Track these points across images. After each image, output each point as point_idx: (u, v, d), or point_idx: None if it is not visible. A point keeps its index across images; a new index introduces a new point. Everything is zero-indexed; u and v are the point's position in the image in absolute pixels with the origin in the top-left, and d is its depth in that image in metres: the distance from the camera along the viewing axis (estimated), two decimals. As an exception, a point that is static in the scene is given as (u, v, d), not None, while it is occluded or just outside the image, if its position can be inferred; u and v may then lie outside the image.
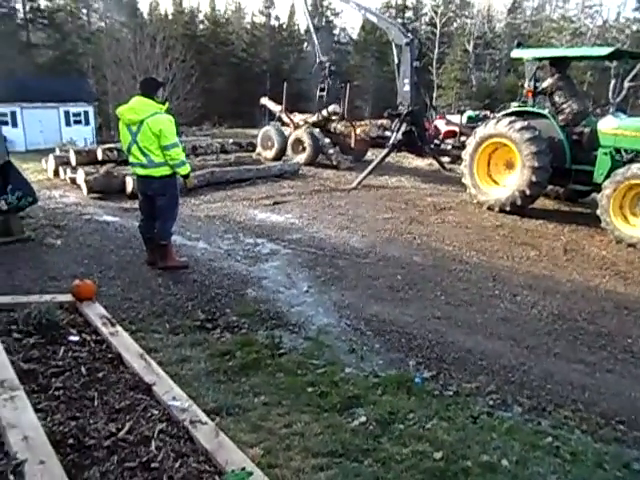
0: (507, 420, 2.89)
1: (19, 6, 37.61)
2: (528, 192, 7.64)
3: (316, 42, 12.48)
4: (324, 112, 12.69)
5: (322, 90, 12.29)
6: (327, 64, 12.21)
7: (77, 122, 27.65)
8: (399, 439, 2.63)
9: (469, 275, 5.33)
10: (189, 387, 2.76)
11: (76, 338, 2.59)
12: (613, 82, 8.13)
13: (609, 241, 6.79)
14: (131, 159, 4.92)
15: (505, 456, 2.54)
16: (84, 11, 42.29)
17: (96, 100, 29.00)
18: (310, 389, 3.04)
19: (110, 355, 2.44)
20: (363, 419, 2.77)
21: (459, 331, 4.04)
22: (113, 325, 2.72)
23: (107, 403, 2.01)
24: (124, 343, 2.53)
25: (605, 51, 7.92)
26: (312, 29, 12.56)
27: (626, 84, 8.40)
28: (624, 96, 8.33)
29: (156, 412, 1.98)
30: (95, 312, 2.84)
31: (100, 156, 9.32)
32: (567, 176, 7.90)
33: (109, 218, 7.00)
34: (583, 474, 2.47)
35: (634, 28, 40.76)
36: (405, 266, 5.49)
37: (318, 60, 12.31)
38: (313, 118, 12.99)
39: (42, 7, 38.91)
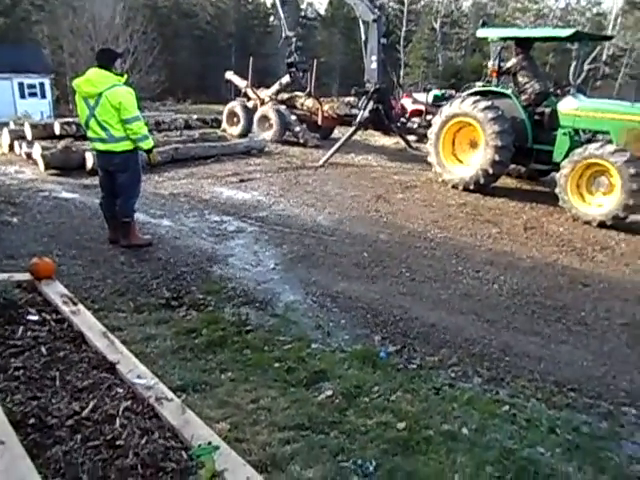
0: (467, 391, 3.00)
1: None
2: (491, 171, 7.81)
3: (282, 16, 12.20)
4: (277, 84, 12.60)
5: (289, 66, 12.08)
6: (294, 39, 11.98)
7: (32, 94, 26.47)
8: (364, 411, 2.70)
9: (434, 252, 5.44)
10: (154, 365, 2.74)
11: (35, 317, 2.52)
12: (574, 64, 8.30)
13: (566, 219, 7.04)
14: (90, 134, 4.74)
15: (465, 425, 2.65)
16: (37, -23, 39.96)
17: (53, 72, 27.72)
18: (277, 365, 3.07)
19: (72, 334, 2.39)
20: (329, 393, 2.83)
21: (423, 306, 4.14)
22: (74, 304, 2.65)
23: (69, 382, 1.97)
24: (86, 322, 2.48)
25: (566, 33, 8.06)
26: (278, 2, 12.25)
27: (586, 66, 8.64)
28: (584, 78, 8.56)
29: (120, 390, 1.97)
30: (55, 291, 2.77)
31: (58, 130, 8.95)
32: (529, 155, 8.10)
33: (68, 195, 6.77)
34: (537, 439, 2.60)
35: (594, 11, 41.68)
36: (371, 244, 5.55)
37: (284, 35, 12.07)
38: (271, 90, 12.85)
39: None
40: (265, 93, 13.13)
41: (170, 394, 1.94)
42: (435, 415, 2.72)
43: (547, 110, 7.88)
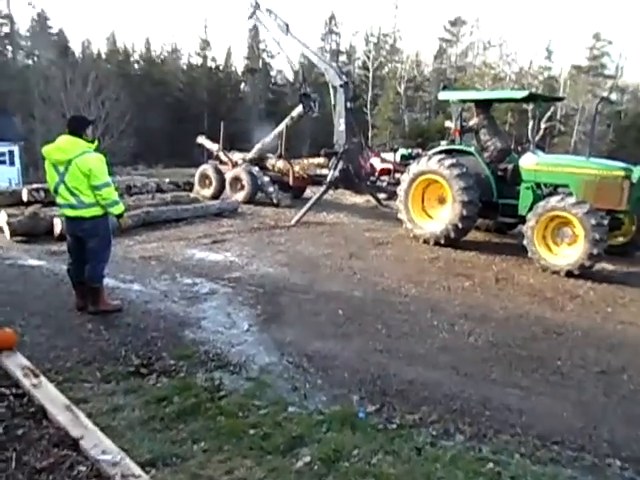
0: (450, 449, 2.91)
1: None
2: (460, 225, 8.00)
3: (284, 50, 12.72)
4: (259, 144, 12.88)
5: (303, 96, 12.24)
6: (301, 71, 12.51)
7: (1, 162, 26.34)
8: (345, 477, 2.58)
9: (408, 307, 5.43)
10: (122, 438, 2.58)
11: (-7, 393, 2.38)
12: (531, 123, 8.85)
13: (536, 269, 7.19)
14: (59, 200, 4.70)
15: (449, 486, 2.55)
16: (9, 48, 40.91)
17: (22, 139, 27.77)
18: (252, 431, 2.94)
19: (32, 409, 2.26)
20: (308, 459, 2.70)
21: (401, 363, 4.08)
22: (36, 376, 2.53)
23: (27, 463, 1.84)
24: (48, 395, 2.36)
25: (521, 94, 8.60)
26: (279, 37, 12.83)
27: (542, 125, 9.16)
28: (542, 135, 9.06)
29: (83, 469, 1.85)
30: (16, 363, 2.64)
31: (25, 197, 8.85)
32: (495, 209, 8.36)
33: (34, 262, 6.60)
34: (524, 498, 2.51)
35: (545, 75, 44.76)
36: (346, 301, 5.53)
37: (293, 68, 12.58)
38: (252, 151, 13.11)
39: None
40: (238, 155, 13.39)
41: (138, 470, 1.83)
42: (419, 477, 2.61)
43: (509, 166, 8.24)
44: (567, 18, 79.34)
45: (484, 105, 8.83)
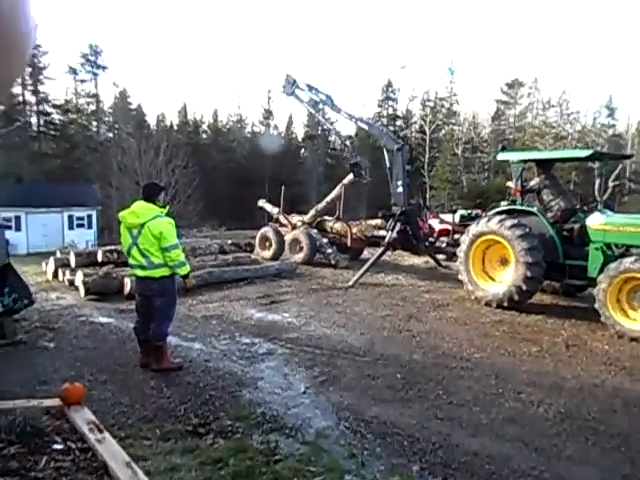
0: (521, 533, 2.66)
1: (33, 120, 40.34)
2: (524, 287, 7.68)
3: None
4: (312, 210, 13.15)
5: (354, 166, 12.37)
6: (348, 142, 12.78)
7: (80, 225, 28.48)
8: None
9: (471, 373, 5.19)
10: (177, 500, 2.57)
11: (60, 446, 2.46)
12: (598, 181, 8.57)
13: (610, 335, 6.70)
14: (131, 261, 5.00)
15: None
16: (94, 123, 45.21)
17: (100, 204, 30.06)
18: (307, 500, 2.84)
19: (95, 464, 2.31)
20: (365, 534, 2.56)
21: (463, 433, 3.86)
22: (101, 431, 2.60)
23: (88, 519, 1.87)
24: (111, 451, 2.41)
25: (585, 153, 8.40)
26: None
27: (610, 183, 8.83)
28: (610, 194, 8.71)
29: (140, 528, 1.84)
30: (83, 417, 2.73)
31: (100, 258, 9.47)
32: (562, 271, 7.99)
33: (104, 319, 6.94)
34: None
35: (610, 132, 43.59)
36: (405, 364, 5.37)
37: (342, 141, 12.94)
38: (309, 215, 13.44)
39: (54, 120, 41.68)
40: (297, 218, 13.77)
41: (192, 533, 1.81)
42: None
43: (576, 226, 7.93)
44: (630, 73, 77.85)
45: (546, 165, 8.69)
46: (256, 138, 50.93)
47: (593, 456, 3.58)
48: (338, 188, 12.99)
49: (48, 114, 41.17)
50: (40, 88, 39.28)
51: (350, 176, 12.71)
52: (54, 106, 41.47)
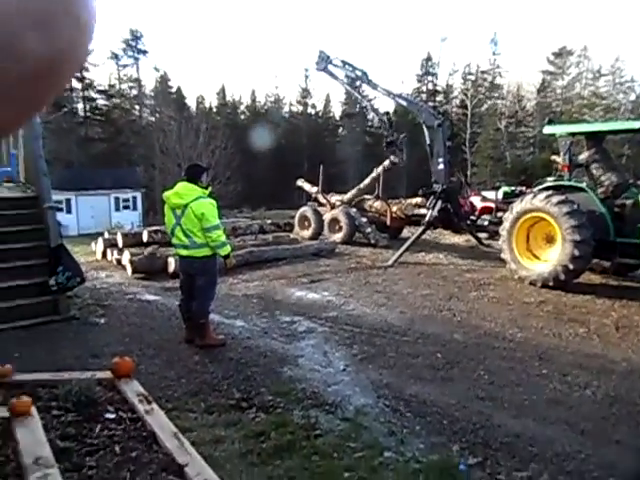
0: (565, 514, 2.62)
1: (80, 105, 41.63)
2: (571, 266, 7.43)
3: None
4: (355, 189, 13.03)
5: (389, 144, 12.00)
6: (386, 118, 12.39)
7: (126, 207, 29.42)
8: (445, 533, 2.42)
9: (513, 353, 5.09)
10: (222, 469, 2.67)
11: (112, 415, 2.60)
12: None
13: (664, 316, 6.42)
14: (174, 240, 5.13)
15: None
16: (137, 107, 46.21)
17: (144, 187, 30.90)
18: (347, 474, 2.89)
19: (144, 433, 2.43)
20: (405, 509, 2.59)
21: (505, 413, 3.80)
22: (149, 403, 2.72)
23: (138, 485, 1.97)
24: (159, 422, 2.52)
25: (639, 124, 7.95)
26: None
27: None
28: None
29: (187, 495, 1.93)
30: (132, 389, 2.87)
31: (145, 238, 9.76)
32: (612, 249, 7.67)
33: (151, 297, 7.19)
34: None
35: (667, 102, 41.02)
36: (445, 344, 5.32)
37: (379, 118, 12.74)
38: (348, 195, 13.37)
39: (99, 106, 42.91)
40: (335, 197, 13.73)
41: (236, 502, 1.87)
42: (528, 542, 2.38)
43: (628, 202, 7.56)
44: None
45: (596, 138, 8.28)
46: (294, 118, 50.82)
47: (643, 440, 3.46)
48: (376, 171, 12.80)
49: (93, 99, 42.39)
50: (85, 74, 40.38)
51: (387, 162, 12.43)
52: (99, 92, 42.66)
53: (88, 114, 42.02)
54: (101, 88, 42.91)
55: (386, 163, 12.41)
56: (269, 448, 3.14)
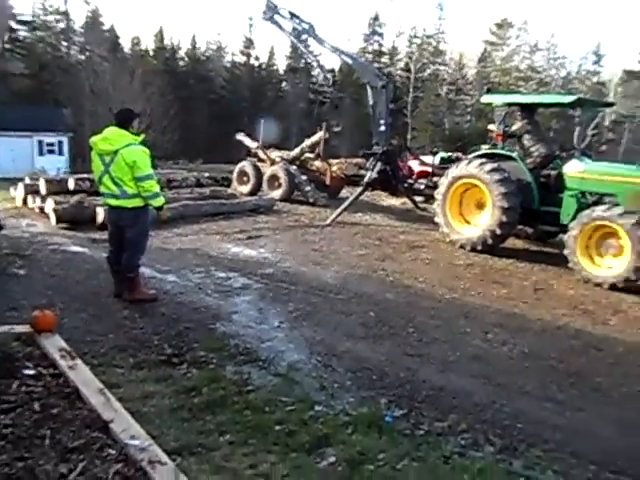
0: (479, 460, 2.83)
1: (-3, 36, 37.63)
2: (498, 232, 7.81)
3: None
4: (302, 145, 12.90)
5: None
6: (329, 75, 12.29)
7: (51, 152, 27.45)
8: (369, 481, 2.54)
9: (441, 313, 5.34)
10: (150, 425, 2.62)
11: (31, 372, 2.45)
12: (578, 129, 8.49)
13: (577, 280, 6.94)
14: (102, 189, 4.84)
15: (477, 499, 2.48)
16: (64, 43, 42.43)
17: (72, 131, 28.78)
18: (278, 427, 2.94)
19: (67, 390, 2.31)
20: (332, 459, 2.68)
21: (431, 369, 4.01)
22: (72, 358, 2.59)
23: (59, 442, 1.88)
24: (83, 377, 2.41)
25: (569, 99, 8.34)
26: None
27: (589, 131, 8.81)
28: (588, 143, 8.73)
29: (112, 452, 1.87)
30: (54, 344, 2.71)
31: (72, 186, 9.17)
32: (536, 217, 8.13)
33: (76, 248, 6.82)
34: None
35: (594, 80, 43.23)
36: (378, 303, 5.48)
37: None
38: (292, 154, 13.16)
39: (21, 38, 39.04)
40: (276, 154, 13.48)
41: (164, 457, 1.84)
42: (445, 487, 2.55)
43: (553, 173, 7.98)
44: (619, 21, 76.29)
45: (529, 109, 8.59)
46: (236, 68, 48.87)
47: (550, 392, 3.78)
48: (319, 136, 12.62)
49: (14, 30, 38.34)
50: (3, 0, 36.33)
51: (321, 132, 12.32)
52: (19, 22, 38.58)
53: (8, 46, 38.10)
54: (23, 18, 38.86)
55: (323, 134, 12.28)
56: (200, 403, 3.13)
